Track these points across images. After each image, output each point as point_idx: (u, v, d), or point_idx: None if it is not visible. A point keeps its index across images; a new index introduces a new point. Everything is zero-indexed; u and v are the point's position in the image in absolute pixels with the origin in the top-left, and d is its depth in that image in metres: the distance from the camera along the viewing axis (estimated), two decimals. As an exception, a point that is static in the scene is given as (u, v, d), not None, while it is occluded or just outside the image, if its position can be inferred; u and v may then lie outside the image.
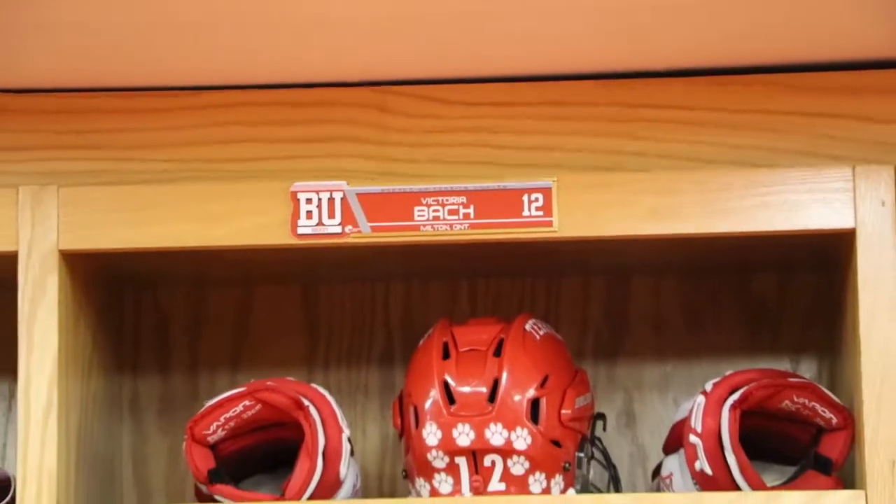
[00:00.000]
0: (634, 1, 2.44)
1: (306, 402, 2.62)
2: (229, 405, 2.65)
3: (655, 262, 2.88)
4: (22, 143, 2.74)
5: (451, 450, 2.60)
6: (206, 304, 2.99)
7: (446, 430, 2.59)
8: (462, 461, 2.61)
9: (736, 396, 2.59)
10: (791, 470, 2.65)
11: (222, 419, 2.65)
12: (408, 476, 2.68)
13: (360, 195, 2.60)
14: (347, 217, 2.60)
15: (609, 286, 2.95)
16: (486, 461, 2.60)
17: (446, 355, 2.64)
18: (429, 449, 2.60)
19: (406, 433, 2.66)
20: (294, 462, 2.61)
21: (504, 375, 2.61)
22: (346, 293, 2.97)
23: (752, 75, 2.69)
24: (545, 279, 2.94)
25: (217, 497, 2.62)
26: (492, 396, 2.60)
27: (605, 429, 2.76)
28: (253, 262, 2.78)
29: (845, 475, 2.62)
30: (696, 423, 2.60)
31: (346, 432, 2.64)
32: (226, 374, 2.96)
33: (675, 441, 2.71)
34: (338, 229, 2.60)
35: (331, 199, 2.60)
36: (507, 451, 2.59)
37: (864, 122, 2.68)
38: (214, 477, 2.64)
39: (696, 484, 2.62)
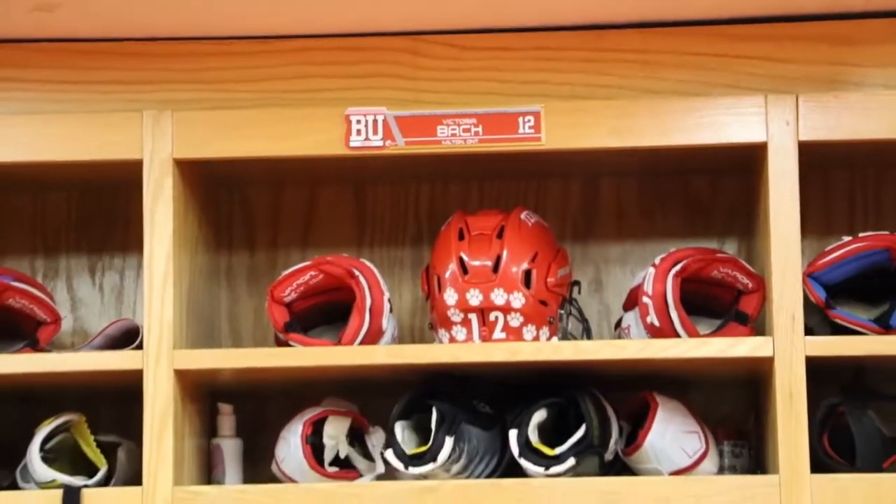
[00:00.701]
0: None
1: (357, 273, 2.69)
2: (299, 274, 2.72)
3: (618, 168, 2.91)
4: (146, 78, 2.79)
5: (465, 308, 2.66)
6: (282, 199, 2.99)
7: (461, 293, 2.66)
8: (473, 316, 2.67)
9: (677, 268, 2.65)
10: (718, 322, 2.71)
11: (294, 285, 2.72)
12: (433, 328, 2.74)
13: (396, 117, 2.65)
14: (387, 134, 2.65)
15: (583, 186, 2.96)
16: (491, 316, 2.67)
17: (461, 237, 2.70)
18: (448, 307, 2.67)
19: (431, 296, 2.73)
20: (348, 317, 2.68)
21: (504, 253, 2.67)
22: (386, 191, 2.98)
23: (691, 27, 2.74)
24: (535, 181, 2.96)
25: (291, 343, 2.70)
26: (495, 268, 2.66)
27: (579, 292, 2.80)
28: (316, 168, 2.82)
29: (758, 326, 2.70)
30: (648, 287, 2.67)
31: (387, 295, 2.71)
32: (297, 251, 2.96)
33: (632, 301, 2.77)
34: (380, 143, 2.65)
35: (375, 121, 2.65)
36: (506, 309, 2.66)
37: (774, 63, 2.73)
38: (289, 328, 2.71)
39: (647, 333, 2.69)
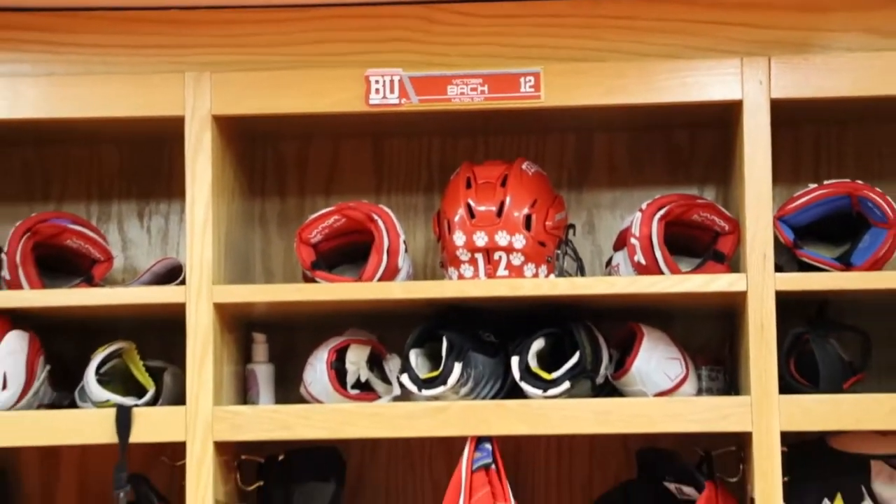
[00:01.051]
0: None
1: (376, 217, 2.72)
2: (324, 218, 2.74)
3: (609, 123, 2.93)
4: (187, 43, 2.81)
5: (472, 248, 2.69)
6: (309, 151, 3.00)
7: (469, 235, 2.69)
8: (479, 256, 2.70)
9: (662, 212, 2.68)
10: (697, 261, 2.73)
11: (320, 227, 2.74)
12: (443, 266, 2.78)
13: (411, 78, 2.68)
14: (403, 92, 2.68)
15: (578, 139, 2.98)
16: (495, 256, 2.70)
17: (469, 186, 2.73)
18: (457, 248, 2.71)
19: (442, 238, 2.76)
20: (368, 257, 2.71)
21: (507, 199, 2.70)
22: (402, 144, 2.99)
23: (677, -3, 2.78)
24: (535, 135, 2.97)
25: (317, 279, 2.73)
26: (499, 213, 2.69)
27: (574, 234, 2.83)
28: (339, 124, 2.84)
29: (733, 264, 2.74)
30: (636, 229, 2.69)
31: (402, 237, 2.74)
32: (322, 198, 2.99)
33: (621, 242, 2.81)
34: (396, 101, 2.68)
35: (391, 81, 2.68)
36: (509, 249, 2.69)
37: (749, 28, 2.75)
38: (315, 266, 2.74)
39: (634, 270, 2.72)
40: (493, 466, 2.65)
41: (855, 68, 2.64)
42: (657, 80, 2.66)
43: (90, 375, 2.72)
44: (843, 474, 2.68)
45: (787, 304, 2.63)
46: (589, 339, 2.71)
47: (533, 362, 2.67)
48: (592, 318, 2.76)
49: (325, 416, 2.66)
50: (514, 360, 2.67)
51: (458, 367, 2.63)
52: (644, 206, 2.71)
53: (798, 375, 2.69)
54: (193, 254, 2.68)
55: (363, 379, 2.79)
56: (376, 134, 3.00)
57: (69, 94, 2.71)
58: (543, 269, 2.73)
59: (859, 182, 2.68)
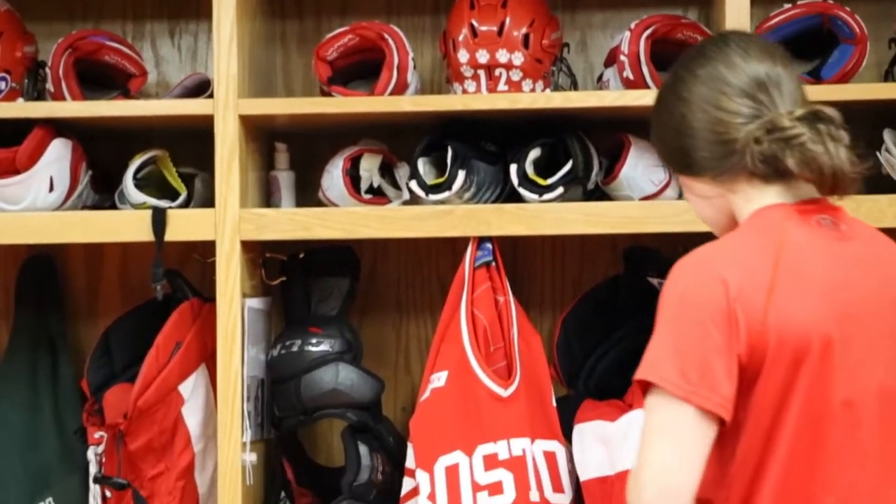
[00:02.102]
0: None
1: (387, 36, 2.72)
2: (340, 37, 2.75)
3: None
4: None
5: (475, 65, 2.69)
6: None
7: (472, 52, 2.69)
8: (481, 72, 2.70)
9: (649, 31, 2.69)
10: None
11: (336, 46, 2.75)
12: (448, 82, 2.78)
13: None
14: None
15: None
16: (496, 72, 2.70)
17: (472, 7, 2.72)
18: (461, 65, 2.71)
19: (447, 55, 2.76)
20: (380, 73, 2.71)
21: (507, 19, 2.69)
22: None
23: None
24: None
25: (333, 93, 2.74)
26: (500, 32, 2.68)
27: (569, 52, 2.84)
28: None
29: None
30: (625, 47, 2.70)
31: (412, 55, 2.75)
32: (337, 19, 2.95)
33: (611, 59, 2.82)
34: None
35: None
36: (508, 66, 2.69)
37: None
38: (331, 81, 2.75)
39: (623, 85, 2.73)
40: (494, 264, 2.69)
41: None
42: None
43: (128, 180, 2.75)
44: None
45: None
46: (581, 148, 2.72)
47: (530, 169, 2.69)
48: (584, 129, 2.77)
49: (341, 218, 2.70)
50: (513, 168, 2.69)
51: (461, 173, 2.65)
52: (633, 25, 2.71)
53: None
54: (220, 69, 2.68)
55: (375, 185, 2.81)
56: (389, -8, 3.00)
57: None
58: (540, 84, 2.73)
59: (830, 2, 2.67)
